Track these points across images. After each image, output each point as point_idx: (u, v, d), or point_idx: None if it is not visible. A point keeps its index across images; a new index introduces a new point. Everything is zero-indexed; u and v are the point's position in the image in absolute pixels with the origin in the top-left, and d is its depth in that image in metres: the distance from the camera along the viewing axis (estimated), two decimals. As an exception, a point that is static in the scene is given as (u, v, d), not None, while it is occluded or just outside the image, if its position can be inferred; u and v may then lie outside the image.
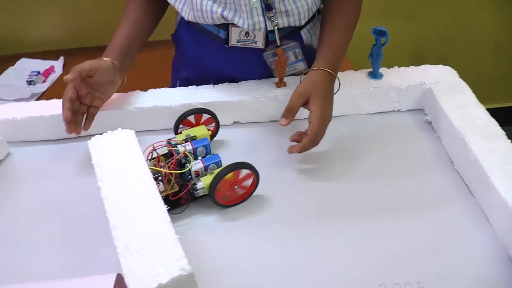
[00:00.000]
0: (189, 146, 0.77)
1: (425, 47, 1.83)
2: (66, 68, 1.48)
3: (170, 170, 0.68)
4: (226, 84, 0.94)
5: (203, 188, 0.70)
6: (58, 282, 0.47)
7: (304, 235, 0.71)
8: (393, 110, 0.94)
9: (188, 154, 0.74)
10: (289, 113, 0.79)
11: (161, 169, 0.68)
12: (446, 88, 0.89)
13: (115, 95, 0.89)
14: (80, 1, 1.56)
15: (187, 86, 0.98)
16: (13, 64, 1.54)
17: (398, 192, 0.78)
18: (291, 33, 0.91)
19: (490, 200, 0.70)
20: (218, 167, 0.74)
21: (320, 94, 0.79)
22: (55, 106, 0.90)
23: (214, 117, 0.86)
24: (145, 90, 0.94)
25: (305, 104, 0.79)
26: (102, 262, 0.67)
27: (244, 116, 0.92)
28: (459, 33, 1.80)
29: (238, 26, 0.86)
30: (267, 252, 0.68)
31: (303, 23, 0.89)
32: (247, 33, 0.89)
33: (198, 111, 0.85)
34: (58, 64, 1.49)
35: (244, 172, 0.72)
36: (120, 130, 0.59)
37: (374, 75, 0.93)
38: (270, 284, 0.64)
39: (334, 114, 0.92)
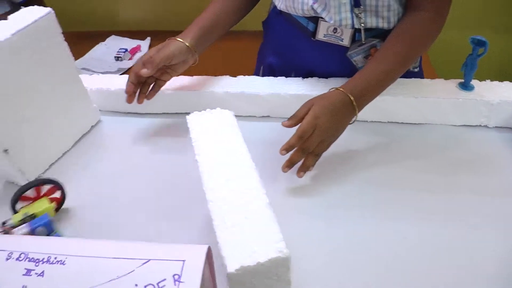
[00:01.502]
0: (26, 229, 0.68)
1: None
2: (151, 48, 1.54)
3: None
4: (315, 78, 0.94)
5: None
6: (151, 245, 0.50)
7: (368, 237, 0.71)
8: (480, 125, 0.91)
9: None
10: (292, 117, 0.76)
11: None
12: (542, 107, 0.85)
13: (205, 77, 0.93)
14: (171, -14, 1.62)
15: (270, 73, 1.00)
16: (103, 40, 1.63)
17: (473, 209, 0.75)
18: (380, 36, 0.90)
19: None
20: None
21: (322, 105, 0.75)
22: None
23: (58, 185, 0.75)
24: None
25: None
26: (180, 233, 0.72)
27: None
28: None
29: (327, 21, 0.87)
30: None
31: (392, 26, 0.87)
32: (335, 29, 0.89)
33: (37, 184, 0.74)
34: (144, 44, 1.55)
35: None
36: (219, 109, 0.61)
37: (465, 86, 0.90)
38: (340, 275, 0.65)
39: (417, 121, 0.92)
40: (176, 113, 0.96)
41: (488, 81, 0.92)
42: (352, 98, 0.76)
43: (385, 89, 0.82)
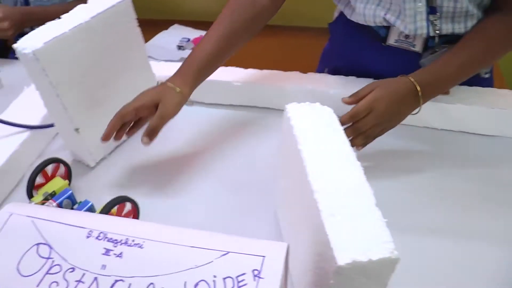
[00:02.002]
0: (53, 204, 0.69)
1: None
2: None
3: None
4: None
5: None
6: (230, 237, 0.49)
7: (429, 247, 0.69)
8: None
9: None
10: (353, 95, 0.76)
11: None
12: None
13: (274, 72, 0.92)
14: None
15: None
16: (166, 28, 1.64)
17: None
18: (454, 42, 0.86)
19: None
20: None
21: (385, 89, 0.74)
22: (232, 73, 0.95)
23: (61, 162, 0.77)
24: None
25: None
26: (245, 228, 0.71)
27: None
28: None
29: (401, 30, 0.84)
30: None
31: (468, 30, 0.83)
32: (407, 35, 0.86)
33: (44, 166, 0.75)
34: (207, 35, 1.55)
35: (128, 206, 0.70)
36: (319, 104, 0.60)
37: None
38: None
39: (489, 132, 0.89)
40: (242, 105, 0.96)
41: None
42: (418, 88, 0.74)
43: (453, 86, 0.82)
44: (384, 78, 0.92)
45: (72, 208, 0.71)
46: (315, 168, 0.51)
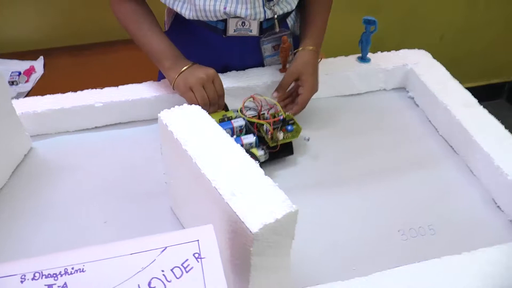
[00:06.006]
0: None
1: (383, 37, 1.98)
2: (46, 67, 1.47)
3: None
4: (252, 69, 1.04)
5: None
6: (160, 235, 0.53)
7: (320, 200, 0.82)
8: (379, 89, 1.07)
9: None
10: (281, 88, 0.95)
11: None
12: (425, 68, 1.03)
13: (131, 86, 0.97)
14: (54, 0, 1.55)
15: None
16: (-12, 66, 1.52)
17: (395, 158, 0.90)
18: (281, 21, 0.98)
19: (474, 155, 0.85)
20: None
21: (310, 71, 0.93)
22: (73, 98, 0.94)
23: None
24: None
25: (296, 80, 0.94)
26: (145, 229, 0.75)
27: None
28: (412, 24, 1.96)
29: (235, 17, 0.92)
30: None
31: (293, 7, 0.97)
32: (243, 22, 0.95)
33: None
34: (38, 64, 1.48)
35: None
36: (186, 105, 0.66)
37: (363, 59, 1.05)
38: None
39: (330, 95, 1.05)
40: (107, 125, 0.97)
41: (379, 53, 1.09)
42: (318, 50, 0.96)
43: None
44: (230, 66, 1.03)
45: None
46: (204, 161, 0.58)
